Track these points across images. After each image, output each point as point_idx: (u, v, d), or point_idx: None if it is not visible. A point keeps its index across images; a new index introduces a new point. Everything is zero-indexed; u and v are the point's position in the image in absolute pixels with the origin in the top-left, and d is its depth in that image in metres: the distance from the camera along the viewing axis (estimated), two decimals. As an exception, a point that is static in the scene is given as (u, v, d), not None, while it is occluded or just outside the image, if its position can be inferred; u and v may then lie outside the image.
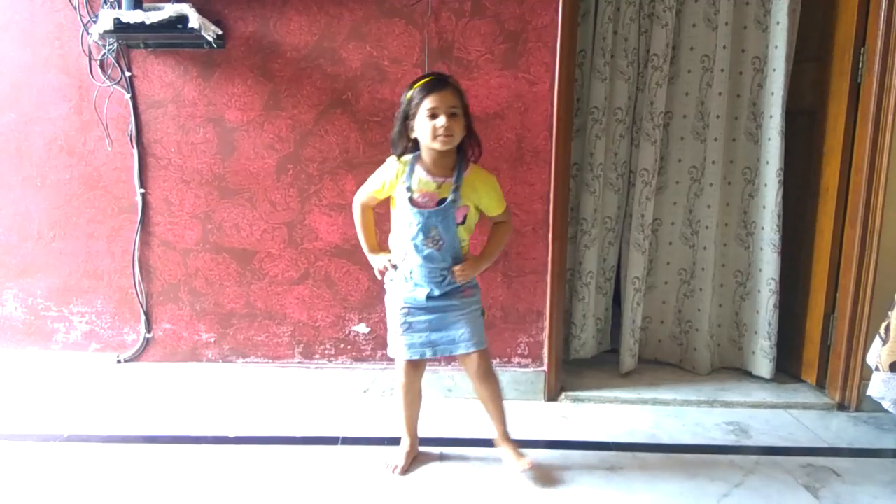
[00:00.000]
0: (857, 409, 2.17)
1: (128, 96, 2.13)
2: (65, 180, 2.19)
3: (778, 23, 2.19)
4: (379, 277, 1.77)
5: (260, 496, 1.61)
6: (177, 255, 2.23)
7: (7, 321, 2.27)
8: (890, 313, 1.75)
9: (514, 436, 1.94)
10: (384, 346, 2.27)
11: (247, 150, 2.17)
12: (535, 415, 2.11)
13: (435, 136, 1.54)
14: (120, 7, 1.95)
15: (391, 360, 2.27)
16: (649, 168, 2.32)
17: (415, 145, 1.64)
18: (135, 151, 2.17)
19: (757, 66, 2.29)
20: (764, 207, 2.30)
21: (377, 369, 2.26)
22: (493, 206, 1.70)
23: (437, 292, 1.66)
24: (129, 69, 2.13)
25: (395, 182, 1.65)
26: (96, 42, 2.06)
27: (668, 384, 2.33)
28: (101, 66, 2.12)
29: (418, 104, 1.56)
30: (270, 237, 2.22)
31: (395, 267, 1.70)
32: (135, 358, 2.28)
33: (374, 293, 2.24)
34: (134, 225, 2.20)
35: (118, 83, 2.12)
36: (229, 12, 2.09)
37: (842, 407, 2.19)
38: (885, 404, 1.78)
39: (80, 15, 2.07)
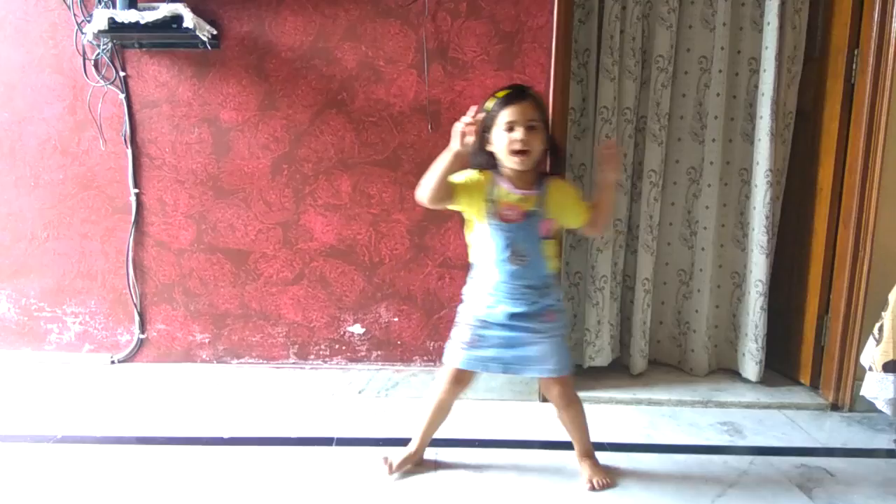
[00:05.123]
0: (851, 410, 2.17)
1: (122, 96, 2.12)
2: (58, 180, 2.18)
3: (769, 23, 2.19)
4: (461, 135, 1.48)
5: (254, 497, 1.60)
6: (171, 255, 2.22)
7: (0, 322, 2.26)
8: (883, 314, 1.76)
9: (509, 436, 1.95)
10: (379, 346, 2.27)
11: (241, 151, 2.17)
12: (530, 415, 2.11)
13: (511, 150, 1.51)
14: (114, 6, 1.94)
15: (386, 360, 2.29)
16: (656, 169, 2.32)
17: (493, 159, 1.58)
18: (129, 151, 2.16)
19: (753, 66, 2.29)
20: (754, 209, 2.30)
21: (372, 370, 2.26)
22: (581, 216, 1.64)
23: (519, 310, 1.59)
24: (124, 69, 2.12)
25: (477, 192, 1.57)
26: (90, 42, 2.05)
27: (663, 384, 2.34)
28: (96, 65, 2.11)
29: (495, 116, 1.52)
30: (265, 237, 2.21)
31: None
32: (129, 359, 2.27)
33: (369, 294, 2.24)
34: (128, 225, 2.20)
35: (112, 83, 2.12)
36: (224, 12, 2.09)
37: (835, 407, 2.20)
38: (879, 404, 1.79)
39: (75, 14, 2.07)
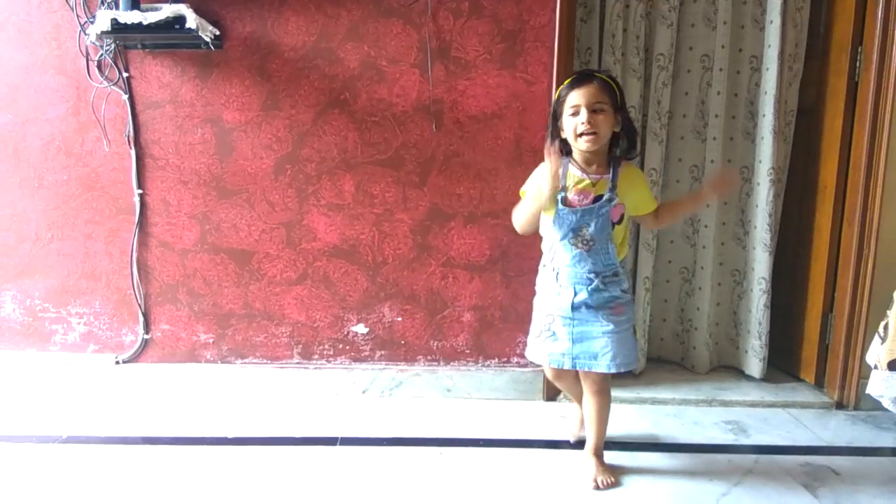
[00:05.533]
0: (856, 408, 2.17)
1: (125, 97, 2.13)
2: (62, 181, 2.19)
3: (771, 22, 2.19)
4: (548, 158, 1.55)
5: (258, 497, 1.61)
6: (175, 255, 2.23)
7: (5, 322, 2.27)
8: (888, 312, 1.76)
9: (513, 435, 1.95)
10: (383, 346, 2.27)
11: (245, 151, 2.17)
12: (534, 414, 2.11)
13: (577, 134, 1.52)
14: (117, 7, 1.94)
15: (390, 360, 2.29)
16: (657, 167, 2.32)
17: (568, 146, 1.60)
18: (132, 152, 2.16)
19: (754, 65, 2.29)
20: (757, 206, 2.30)
21: (376, 369, 2.26)
22: (647, 204, 1.64)
23: (582, 296, 1.60)
24: (127, 70, 2.13)
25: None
26: (94, 43, 2.05)
27: (666, 383, 2.33)
28: (99, 66, 2.12)
29: (563, 102, 1.54)
30: (269, 237, 2.22)
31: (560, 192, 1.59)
32: (133, 359, 2.28)
33: (373, 293, 2.24)
34: (132, 226, 2.20)
35: (116, 84, 2.12)
36: (227, 13, 2.09)
37: (840, 406, 2.19)
38: (885, 403, 1.78)
39: (78, 15, 2.07)
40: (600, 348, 1.62)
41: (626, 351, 1.63)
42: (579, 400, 1.85)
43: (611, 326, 1.61)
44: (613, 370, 1.62)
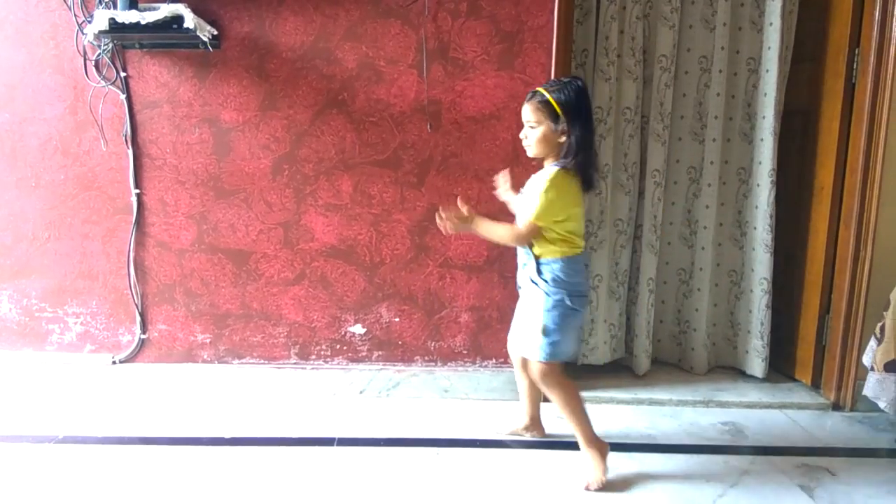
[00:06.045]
0: (852, 409, 2.17)
1: (123, 97, 2.13)
2: (59, 181, 2.18)
3: (771, 24, 2.20)
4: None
5: (255, 498, 1.60)
6: (172, 255, 2.22)
7: (2, 322, 2.26)
8: (885, 313, 1.77)
9: (510, 436, 1.95)
10: (380, 346, 2.27)
11: (242, 151, 2.17)
12: (531, 415, 2.11)
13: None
14: (115, 7, 1.95)
15: (387, 360, 2.29)
16: (660, 169, 2.32)
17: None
18: (130, 152, 2.16)
19: (752, 66, 2.29)
20: (756, 207, 2.31)
21: (373, 370, 2.26)
22: (524, 208, 1.66)
23: (519, 280, 1.78)
24: (124, 69, 2.12)
25: None
26: (91, 42, 2.05)
27: (664, 384, 2.34)
28: (96, 66, 2.11)
29: None
30: (266, 238, 2.22)
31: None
32: (130, 359, 2.28)
33: (370, 294, 2.24)
34: (129, 225, 2.20)
35: (113, 83, 2.12)
36: (225, 12, 2.09)
37: (837, 407, 2.19)
38: (881, 404, 1.79)
39: (75, 15, 2.07)
40: (519, 331, 1.77)
41: (532, 340, 1.68)
42: (526, 405, 1.95)
43: (529, 313, 1.71)
44: (525, 356, 1.74)
